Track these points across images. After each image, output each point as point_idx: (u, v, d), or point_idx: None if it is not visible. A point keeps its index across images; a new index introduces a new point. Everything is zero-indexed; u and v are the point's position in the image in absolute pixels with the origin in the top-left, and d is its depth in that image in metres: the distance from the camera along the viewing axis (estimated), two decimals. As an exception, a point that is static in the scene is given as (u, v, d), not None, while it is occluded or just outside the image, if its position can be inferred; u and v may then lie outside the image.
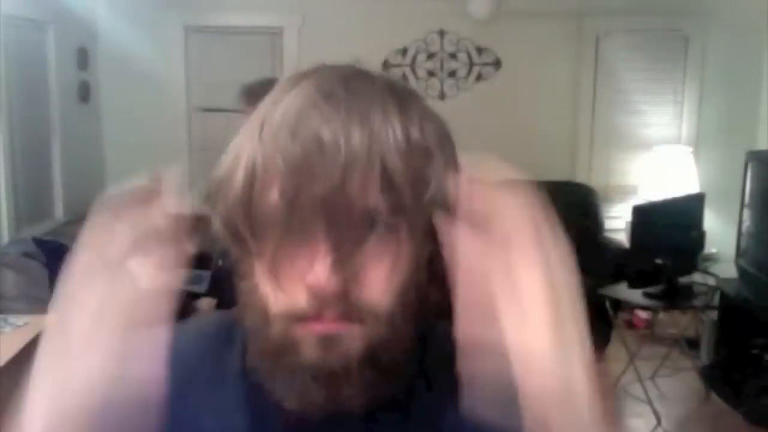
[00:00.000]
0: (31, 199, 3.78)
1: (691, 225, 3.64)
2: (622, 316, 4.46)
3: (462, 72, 4.92)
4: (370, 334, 0.56)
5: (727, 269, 3.86)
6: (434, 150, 0.57)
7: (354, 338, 0.55)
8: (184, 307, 3.58)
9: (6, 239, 3.38)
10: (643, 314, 4.54)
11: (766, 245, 3.45)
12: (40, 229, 3.60)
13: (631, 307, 4.28)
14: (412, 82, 4.89)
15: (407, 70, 4.89)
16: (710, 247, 4.02)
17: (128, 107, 4.72)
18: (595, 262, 4.29)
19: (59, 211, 4.10)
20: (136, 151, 4.75)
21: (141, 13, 4.65)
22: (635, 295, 3.50)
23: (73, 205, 4.17)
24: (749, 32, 4.28)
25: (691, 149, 4.83)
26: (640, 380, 3.54)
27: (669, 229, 3.49)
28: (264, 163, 0.56)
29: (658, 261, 3.37)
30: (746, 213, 3.64)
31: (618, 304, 3.78)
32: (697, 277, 3.75)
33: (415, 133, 0.56)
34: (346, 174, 0.52)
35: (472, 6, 4.73)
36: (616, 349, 4.16)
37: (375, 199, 0.53)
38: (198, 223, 0.64)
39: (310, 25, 4.78)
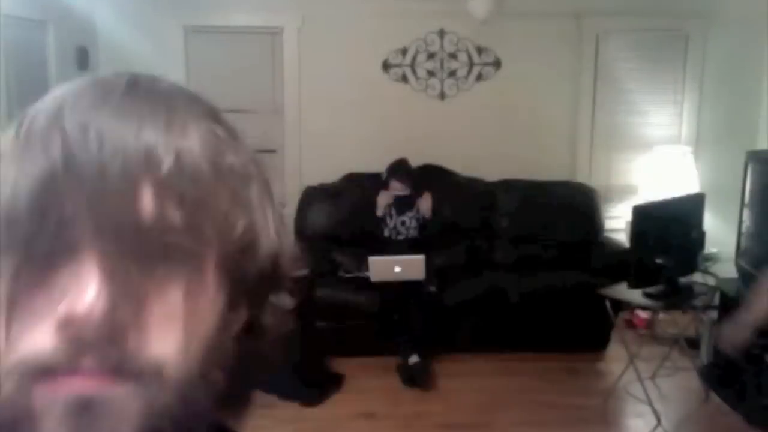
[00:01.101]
0: (31, 199, 3.79)
1: (691, 225, 3.64)
2: (622, 316, 4.46)
3: (462, 72, 4.92)
4: (152, 402, 0.40)
5: (727, 269, 3.86)
6: (253, 174, 0.48)
7: (126, 407, 0.39)
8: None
9: (6, 239, 3.39)
10: (643, 314, 4.54)
11: (766, 245, 3.45)
12: (40, 229, 3.60)
13: (631, 307, 4.27)
14: (412, 82, 4.90)
15: (407, 70, 4.89)
16: (710, 247, 4.02)
17: (128, 107, 4.72)
18: (595, 262, 4.30)
19: (59, 211, 4.10)
20: (136, 151, 4.75)
21: (141, 13, 4.66)
22: (635, 295, 3.50)
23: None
24: (749, 32, 4.28)
25: (691, 149, 4.83)
26: (640, 380, 3.54)
27: (669, 229, 3.49)
28: (18, 171, 0.40)
29: (658, 261, 3.37)
30: (746, 213, 3.64)
31: (618, 304, 3.78)
32: (697, 277, 3.75)
33: (226, 140, 0.47)
34: (129, 172, 0.40)
35: (472, 6, 4.73)
36: (616, 349, 4.16)
37: (167, 210, 0.40)
38: None
39: (310, 25, 4.78)
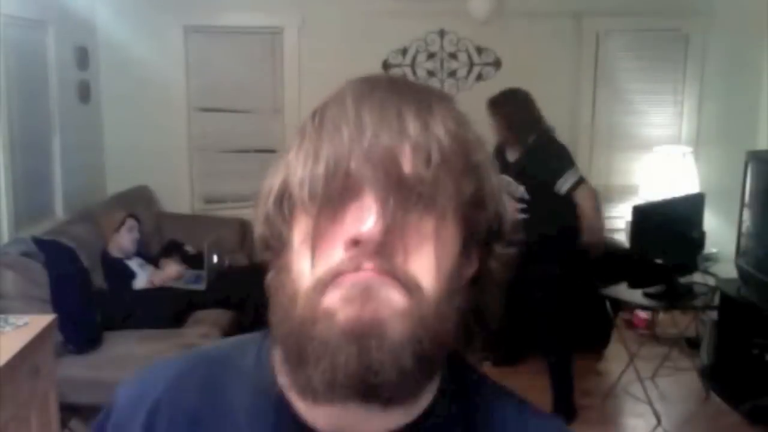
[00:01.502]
0: (31, 198, 3.78)
1: (691, 225, 3.64)
2: (622, 316, 4.46)
3: (462, 72, 4.91)
4: (415, 311, 0.55)
5: (727, 269, 3.86)
6: (478, 146, 0.61)
7: (402, 319, 0.54)
8: (186, 305, 3.59)
9: (6, 239, 3.38)
10: (643, 314, 4.54)
11: (766, 245, 3.45)
12: (40, 229, 3.59)
13: (631, 307, 4.27)
14: (412, 82, 4.89)
15: (407, 70, 4.89)
16: (710, 247, 4.02)
17: (128, 107, 4.72)
18: (596, 262, 4.29)
19: (59, 211, 4.10)
20: (136, 151, 4.75)
21: (141, 13, 4.65)
22: (635, 295, 3.50)
23: (73, 205, 4.16)
24: (749, 32, 4.28)
25: (691, 149, 4.83)
26: (640, 380, 3.54)
27: (669, 229, 3.49)
28: (316, 142, 0.58)
29: (658, 261, 3.37)
30: (746, 213, 3.64)
31: (618, 304, 3.78)
32: (697, 277, 3.75)
33: (461, 126, 0.60)
34: (393, 140, 0.56)
35: (472, 6, 4.72)
36: (616, 349, 4.16)
37: (419, 168, 0.56)
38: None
39: (310, 25, 4.78)
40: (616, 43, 4.93)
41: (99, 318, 3.22)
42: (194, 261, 4.12)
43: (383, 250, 0.54)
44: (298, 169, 0.58)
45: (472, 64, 4.91)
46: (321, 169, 0.56)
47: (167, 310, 3.46)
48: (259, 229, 0.63)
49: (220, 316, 3.65)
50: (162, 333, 3.33)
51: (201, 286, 3.85)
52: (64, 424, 2.77)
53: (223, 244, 4.26)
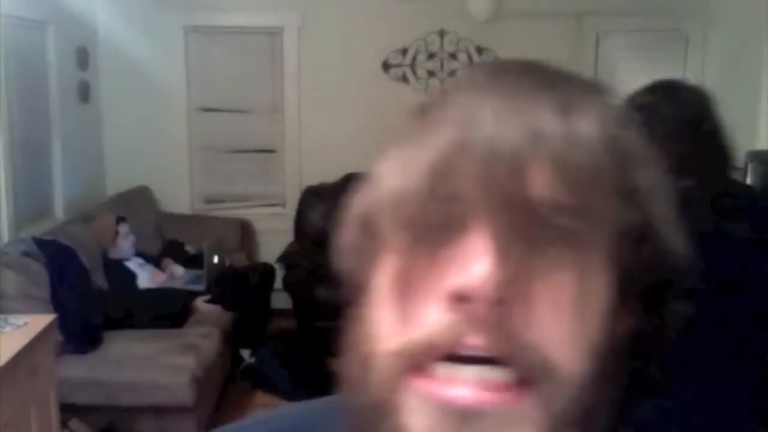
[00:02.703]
0: (31, 199, 3.78)
1: (691, 225, 3.63)
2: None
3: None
4: (548, 405, 0.37)
5: (727, 269, 3.86)
6: (644, 159, 0.43)
7: (515, 419, 0.37)
8: (185, 306, 3.59)
9: (6, 239, 3.38)
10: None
11: (766, 245, 3.45)
12: (40, 229, 3.59)
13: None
14: (412, 82, 4.89)
15: (407, 70, 4.89)
16: (710, 247, 4.02)
17: (128, 107, 4.72)
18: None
19: (59, 211, 4.10)
20: (136, 151, 4.75)
21: (141, 13, 4.65)
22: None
23: (73, 205, 4.16)
24: (749, 32, 4.28)
25: (691, 149, 4.83)
26: (640, 380, 3.53)
27: (669, 229, 3.48)
28: (416, 147, 0.42)
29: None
30: (746, 213, 3.64)
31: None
32: (697, 277, 3.74)
33: (622, 130, 0.43)
34: (520, 150, 0.39)
35: (472, 6, 4.72)
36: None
37: (558, 190, 0.38)
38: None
39: (310, 25, 4.78)
40: (616, 43, 4.93)
41: (99, 318, 3.22)
42: (194, 261, 4.13)
43: (500, 314, 0.37)
44: (387, 184, 0.42)
45: (472, 64, 4.91)
46: (415, 185, 0.40)
47: (167, 310, 3.46)
48: (340, 263, 0.46)
49: (220, 316, 3.65)
50: (162, 333, 3.33)
51: (201, 287, 3.86)
52: (64, 424, 2.77)
53: (223, 244, 4.27)
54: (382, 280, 0.41)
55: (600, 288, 0.40)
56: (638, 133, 0.44)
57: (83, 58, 4.40)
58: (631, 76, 4.93)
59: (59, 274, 3.12)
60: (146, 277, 3.85)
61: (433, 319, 0.38)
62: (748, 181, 3.62)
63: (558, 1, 4.84)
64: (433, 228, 0.39)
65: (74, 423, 2.92)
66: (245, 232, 4.83)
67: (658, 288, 0.43)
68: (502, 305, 0.36)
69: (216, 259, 4.04)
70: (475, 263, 0.37)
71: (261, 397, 3.65)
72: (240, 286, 3.93)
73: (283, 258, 4.52)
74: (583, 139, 0.40)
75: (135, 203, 4.46)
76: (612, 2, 4.81)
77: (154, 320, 3.40)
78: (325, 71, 4.79)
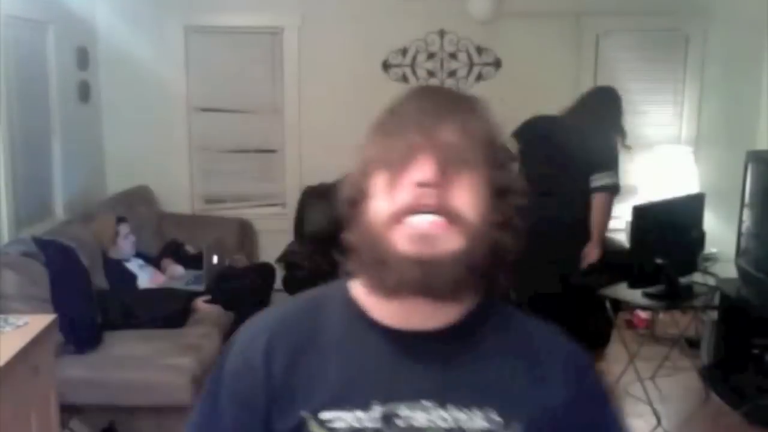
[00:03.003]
0: (31, 199, 3.78)
1: (691, 225, 3.63)
2: (622, 316, 4.46)
3: (462, 72, 4.92)
4: (465, 239, 0.81)
5: (727, 269, 3.86)
6: (497, 132, 0.88)
7: (451, 239, 0.80)
8: (185, 306, 3.59)
9: (6, 239, 3.38)
10: (643, 314, 4.54)
11: (766, 245, 3.45)
12: (40, 229, 3.60)
13: (631, 307, 4.27)
14: (412, 82, 4.89)
15: (407, 70, 4.89)
16: (710, 247, 4.02)
17: (128, 107, 4.72)
18: (596, 262, 4.29)
19: (59, 211, 4.10)
20: (136, 151, 4.75)
21: (141, 13, 4.65)
22: (635, 295, 3.50)
23: (73, 205, 4.16)
24: (749, 32, 4.28)
25: (691, 149, 4.83)
26: (640, 380, 3.54)
27: (669, 229, 3.49)
28: (396, 130, 0.85)
29: (658, 261, 3.37)
30: (746, 213, 3.64)
31: (618, 304, 3.78)
32: (697, 277, 3.75)
33: (487, 119, 0.88)
34: (445, 124, 0.83)
35: (472, 6, 4.73)
36: (616, 349, 4.16)
37: (460, 139, 0.82)
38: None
39: (310, 25, 4.78)
40: (616, 43, 4.93)
41: (99, 318, 3.22)
42: (194, 261, 4.13)
43: (437, 191, 0.80)
44: (379, 145, 0.85)
45: (472, 64, 4.91)
46: (397, 142, 0.82)
47: (167, 310, 3.46)
48: (346, 192, 0.88)
49: (220, 316, 3.65)
50: (162, 333, 3.33)
51: (201, 287, 3.86)
52: (64, 424, 2.77)
53: (223, 244, 4.26)
54: (378, 186, 0.83)
55: (481, 186, 0.83)
56: (495, 121, 0.88)
57: (83, 58, 4.40)
58: (631, 76, 4.95)
59: (59, 274, 3.11)
60: (146, 278, 3.85)
61: (406, 196, 0.80)
62: (748, 181, 3.63)
63: (558, 1, 4.84)
64: (406, 158, 0.81)
65: (74, 423, 2.92)
66: (245, 232, 4.83)
67: (509, 193, 0.86)
68: (438, 187, 0.79)
69: (216, 259, 4.04)
70: (425, 170, 0.80)
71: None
72: (240, 286, 3.93)
73: (283, 258, 4.52)
74: (467, 119, 0.84)
75: (135, 203, 4.46)
76: (612, 2, 4.81)
77: (154, 320, 3.40)
78: (325, 71, 4.79)
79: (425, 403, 0.82)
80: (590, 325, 4.11)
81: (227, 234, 4.53)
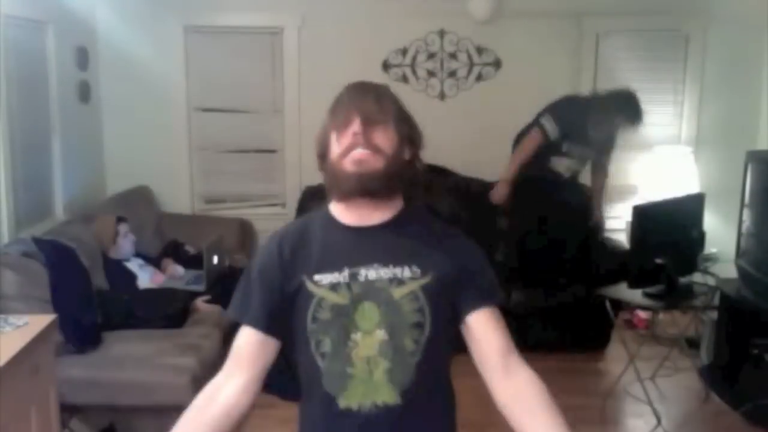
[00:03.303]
0: (31, 199, 3.78)
1: (691, 225, 3.63)
2: (622, 316, 4.46)
3: (462, 72, 4.92)
4: (384, 162, 1.33)
5: (727, 269, 3.86)
6: (402, 106, 1.42)
7: (375, 162, 1.32)
8: (185, 306, 3.59)
9: (6, 239, 3.38)
10: (643, 314, 4.54)
11: (766, 245, 3.45)
12: (40, 229, 3.60)
13: (631, 307, 4.27)
14: (412, 82, 4.90)
15: (407, 70, 4.89)
16: (710, 247, 4.02)
17: (128, 107, 4.72)
18: (596, 262, 4.29)
19: (59, 211, 4.10)
20: (136, 151, 4.75)
21: (141, 13, 4.66)
22: (635, 295, 3.49)
23: (73, 205, 4.17)
24: (749, 32, 4.28)
25: (691, 149, 4.83)
26: (640, 380, 3.54)
27: (669, 229, 3.49)
28: (339, 108, 1.37)
29: (658, 261, 3.37)
30: (746, 213, 3.64)
31: (618, 304, 3.78)
32: (697, 277, 3.75)
33: (396, 100, 1.42)
34: (366, 100, 1.36)
35: (472, 6, 4.73)
36: (616, 349, 4.16)
37: (374, 106, 1.35)
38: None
39: (310, 25, 4.78)
40: (616, 43, 4.93)
41: (99, 318, 3.22)
42: (194, 261, 4.12)
43: (366, 135, 1.32)
44: (331, 118, 1.37)
45: (472, 64, 4.91)
46: (343, 114, 1.34)
47: (167, 310, 3.46)
48: (317, 148, 1.42)
49: (220, 316, 3.65)
50: (162, 333, 3.33)
51: (201, 287, 3.85)
52: (64, 424, 2.77)
53: (223, 244, 4.26)
54: (332, 140, 1.37)
55: (394, 134, 1.37)
56: (400, 100, 1.43)
57: (83, 58, 4.40)
58: (631, 76, 4.95)
59: (59, 274, 3.11)
60: (146, 278, 3.85)
61: (347, 141, 1.34)
62: (748, 181, 3.63)
63: (558, 1, 4.84)
64: (348, 122, 1.34)
65: (74, 423, 2.92)
66: (245, 232, 4.83)
67: (412, 139, 1.42)
68: (365, 135, 1.33)
69: (216, 259, 4.03)
70: (356, 125, 1.33)
71: (261, 398, 3.63)
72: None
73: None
74: (383, 97, 1.39)
75: (135, 203, 4.45)
76: (612, 2, 4.81)
77: (154, 320, 3.40)
78: (325, 71, 4.79)
79: (375, 265, 1.35)
80: (590, 325, 4.12)
81: (227, 234, 4.52)
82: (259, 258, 1.43)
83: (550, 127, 4.02)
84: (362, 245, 1.36)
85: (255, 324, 1.38)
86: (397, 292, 1.33)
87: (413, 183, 1.42)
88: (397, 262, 1.35)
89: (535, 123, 4.09)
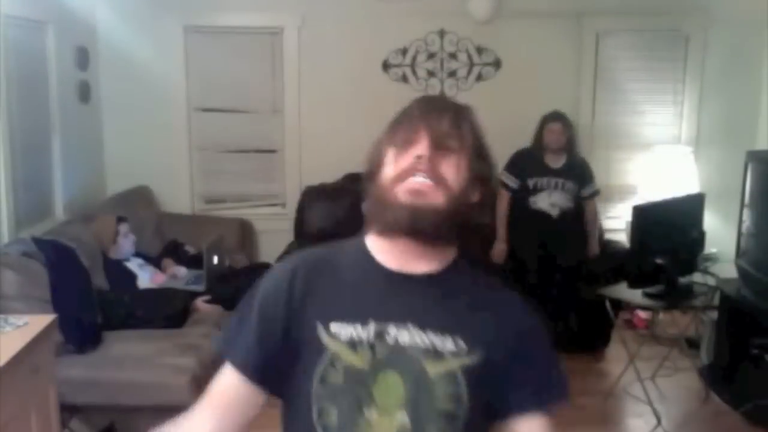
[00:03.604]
0: (31, 199, 3.78)
1: (691, 225, 3.63)
2: (622, 316, 4.46)
3: (462, 72, 4.92)
4: (445, 199, 1.04)
5: (727, 269, 3.86)
6: (481, 132, 1.13)
7: (435, 197, 1.04)
8: (185, 306, 3.59)
9: (6, 239, 3.38)
10: (643, 314, 4.54)
11: (766, 245, 3.45)
12: (40, 229, 3.60)
13: (631, 307, 4.27)
14: (412, 82, 4.90)
15: (407, 70, 4.89)
16: (710, 247, 4.01)
17: (128, 107, 4.72)
18: (596, 261, 4.29)
19: (59, 211, 4.10)
20: (136, 151, 4.75)
21: (141, 13, 4.65)
22: (635, 295, 3.50)
23: (73, 205, 4.16)
24: (749, 32, 4.28)
25: (691, 149, 4.83)
26: (640, 380, 3.54)
27: (669, 229, 3.49)
28: (405, 121, 1.11)
29: (658, 261, 3.37)
30: (746, 213, 3.64)
31: (618, 304, 3.78)
32: (697, 277, 3.75)
33: (474, 121, 1.13)
34: (442, 119, 1.09)
35: (472, 6, 4.73)
36: (616, 349, 4.16)
37: (450, 130, 1.08)
38: None
39: (310, 25, 4.78)
40: (616, 43, 4.93)
41: (99, 318, 3.22)
42: (194, 261, 4.12)
43: (429, 163, 1.04)
44: (390, 132, 1.11)
45: (472, 64, 4.91)
46: (408, 130, 1.08)
47: (167, 310, 3.46)
48: (366, 168, 1.13)
49: (220, 316, 3.65)
50: (162, 333, 3.33)
51: (201, 287, 3.85)
52: (64, 424, 2.77)
53: (223, 244, 4.26)
54: (388, 159, 1.08)
55: (464, 167, 1.07)
56: (479, 123, 1.13)
57: (83, 58, 4.40)
58: (631, 76, 4.96)
59: (59, 274, 3.11)
60: (146, 278, 3.85)
61: (406, 163, 1.05)
62: (748, 181, 3.63)
63: (558, 1, 4.84)
64: (411, 141, 1.07)
65: (74, 423, 2.92)
66: (245, 232, 4.83)
67: (485, 179, 1.12)
68: (431, 162, 1.04)
69: (216, 259, 4.03)
70: (421, 146, 1.05)
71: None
72: (240, 286, 3.92)
73: (283, 258, 4.52)
74: (462, 119, 1.10)
75: (135, 203, 4.45)
76: (612, 2, 4.81)
77: (154, 320, 3.40)
78: (325, 71, 4.79)
79: (409, 325, 1.05)
80: (590, 325, 4.11)
81: (227, 234, 4.53)
82: (264, 283, 1.14)
83: (507, 178, 4.23)
84: (397, 297, 1.08)
85: (242, 368, 1.11)
86: (433, 369, 1.04)
87: (475, 232, 1.11)
88: (439, 328, 1.05)
89: (597, 191, 4.39)
